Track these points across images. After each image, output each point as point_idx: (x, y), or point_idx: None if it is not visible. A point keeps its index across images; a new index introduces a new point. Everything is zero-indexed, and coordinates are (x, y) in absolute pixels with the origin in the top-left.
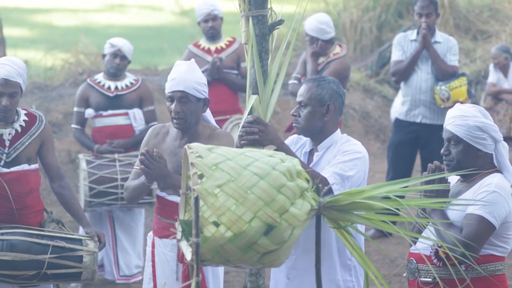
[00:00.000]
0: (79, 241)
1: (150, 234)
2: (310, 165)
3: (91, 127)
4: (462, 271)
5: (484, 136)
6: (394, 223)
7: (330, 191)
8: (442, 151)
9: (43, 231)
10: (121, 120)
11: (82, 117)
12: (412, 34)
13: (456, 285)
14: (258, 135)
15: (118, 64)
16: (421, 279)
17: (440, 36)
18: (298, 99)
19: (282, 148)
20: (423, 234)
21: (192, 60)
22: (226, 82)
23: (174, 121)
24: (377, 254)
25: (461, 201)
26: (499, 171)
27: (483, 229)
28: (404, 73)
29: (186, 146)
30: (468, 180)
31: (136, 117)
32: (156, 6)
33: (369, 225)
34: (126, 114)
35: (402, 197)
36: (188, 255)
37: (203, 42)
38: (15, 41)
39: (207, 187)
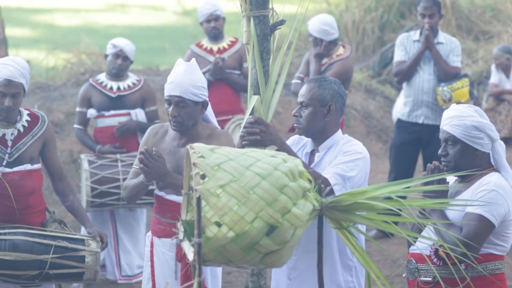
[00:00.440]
0: (81, 241)
1: (149, 234)
2: (311, 166)
3: (93, 127)
4: (462, 270)
5: (481, 135)
6: (396, 223)
7: (331, 191)
8: (439, 151)
9: (45, 231)
10: (123, 120)
11: (84, 117)
12: (415, 35)
13: (456, 284)
14: (259, 136)
15: (120, 65)
16: (421, 278)
17: (443, 37)
18: (300, 99)
19: (283, 148)
20: (423, 233)
21: (193, 60)
22: (228, 82)
23: (172, 123)
24: (379, 254)
25: (462, 201)
26: (496, 170)
27: (483, 228)
28: (407, 73)
29: (188, 146)
30: (466, 180)
31: (138, 117)
32: (158, 6)
33: (371, 225)
34: (128, 114)
35: (404, 197)
36: (190, 255)
37: (206, 42)
38: (17, 41)
39: (209, 187)
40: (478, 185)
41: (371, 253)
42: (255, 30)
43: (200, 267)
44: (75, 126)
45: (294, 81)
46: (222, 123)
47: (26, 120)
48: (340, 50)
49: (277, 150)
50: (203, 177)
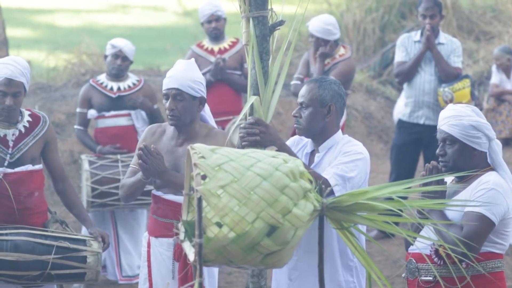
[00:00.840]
0: (83, 242)
1: (146, 234)
2: (311, 166)
3: (93, 128)
4: (462, 269)
5: (478, 135)
6: (396, 224)
7: (331, 192)
8: (437, 151)
9: (46, 231)
10: (123, 121)
11: (84, 117)
12: (416, 35)
13: (456, 283)
14: (259, 137)
15: (120, 65)
16: (421, 278)
17: (444, 37)
18: (300, 100)
19: (283, 149)
20: (422, 233)
21: (192, 59)
22: (229, 82)
23: (169, 117)
24: (380, 255)
25: (462, 201)
26: (493, 169)
27: (484, 227)
28: (408, 74)
29: (189, 147)
30: (464, 180)
31: (138, 118)
32: (159, 7)
33: (372, 226)
34: (129, 115)
35: (404, 198)
36: (191, 256)
37: (206, 43)
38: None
39: (210, 187)
40: (477, 184)
41: (372, 254)
42: (254, 30)
43: (201, 268)
44: (75, 126)
45: (293, 82)
46: (223, 123)
47: (27, 121)
48: (342, 50)
49: (277, 150)
50: (204, 177)
